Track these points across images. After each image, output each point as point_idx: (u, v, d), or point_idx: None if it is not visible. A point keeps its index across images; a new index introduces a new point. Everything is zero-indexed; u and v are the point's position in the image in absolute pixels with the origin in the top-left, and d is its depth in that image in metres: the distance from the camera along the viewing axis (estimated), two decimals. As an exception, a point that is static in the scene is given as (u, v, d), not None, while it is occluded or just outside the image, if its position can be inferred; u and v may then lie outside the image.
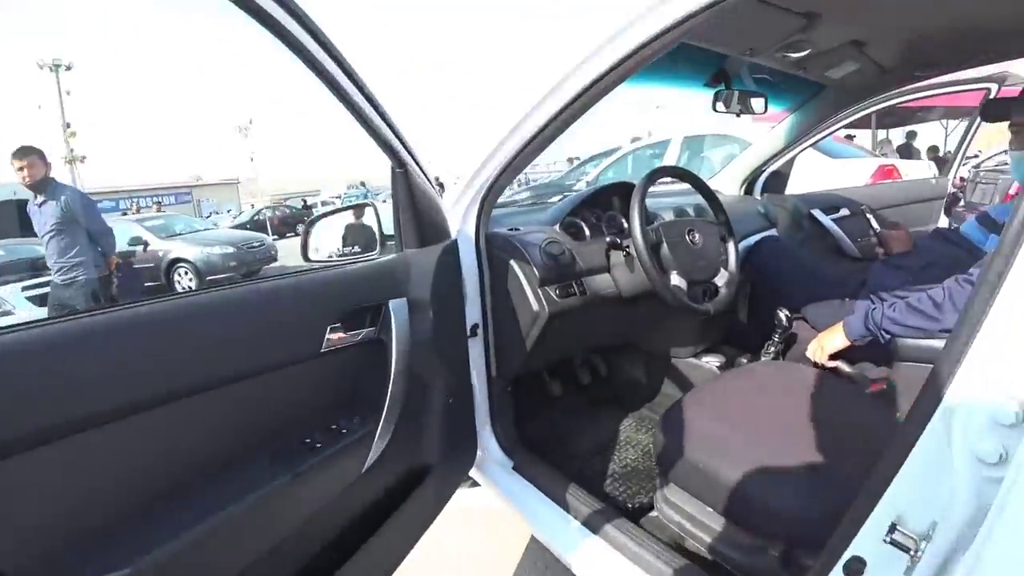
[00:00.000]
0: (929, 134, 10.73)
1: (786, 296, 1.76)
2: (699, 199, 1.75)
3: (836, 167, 3.90)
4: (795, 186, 2.40)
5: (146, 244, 9.04)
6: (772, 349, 1.59)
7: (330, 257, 1.37)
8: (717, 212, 1.52)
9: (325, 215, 1.39)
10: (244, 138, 29.39)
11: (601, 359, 2.05)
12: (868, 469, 0.64)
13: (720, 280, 1.43)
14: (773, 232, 2.06)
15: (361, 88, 0.93)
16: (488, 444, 1.60)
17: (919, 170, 4.20)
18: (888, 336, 1.32)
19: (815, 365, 1.46)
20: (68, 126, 18.28)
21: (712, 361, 1.75)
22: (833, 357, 1.44)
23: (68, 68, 18.49)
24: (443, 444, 1.26)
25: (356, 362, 1.03)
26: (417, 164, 1.15)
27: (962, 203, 4.99)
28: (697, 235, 1.42)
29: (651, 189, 1.43)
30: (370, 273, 1.09)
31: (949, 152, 8.90)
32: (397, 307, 1.08)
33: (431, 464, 1.24)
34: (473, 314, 1.47)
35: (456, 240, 1.28)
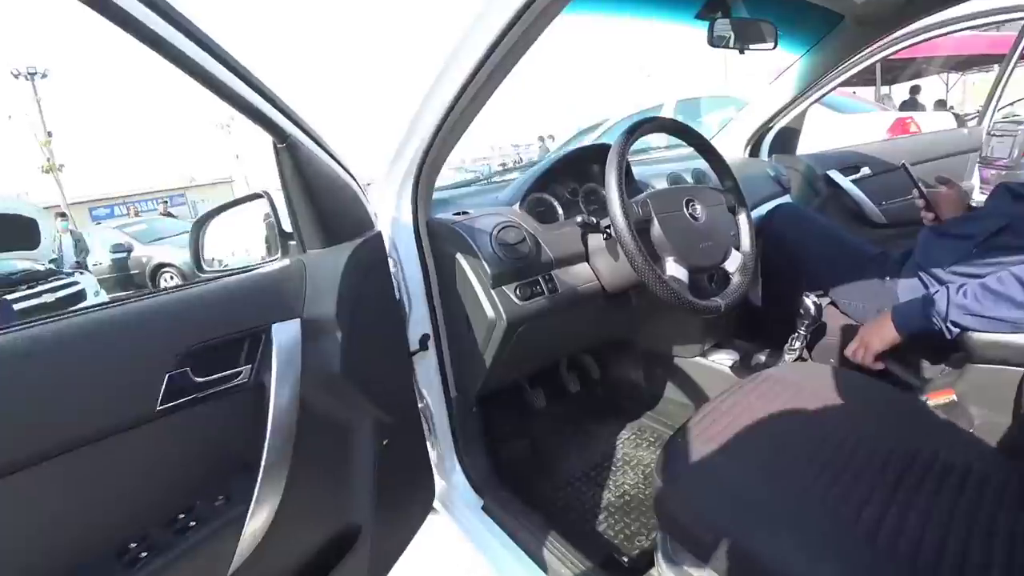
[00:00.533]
0: (931, 89, 10.28)
1: (811, 276, 1.45)
2: (699, 162, 1.43)
3: (846, 124, 3.53)
4: (803, 147, 2.06)
5: (130, 250, 8.78)
6: (797, 344, 1.27)
7: (225, 266, 1.06)
8: (723, 176, 1.19)
9: (216, 211, 1.07)
10: (228, 135, 28.83)
11: (592, 359, 1.74)
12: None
13: (731, 264, 1.10)
14: (787, 198, 1.73)
15: (206, 47, 0.63)
16: (452, 479, 1.31)
17: (940, 122, 3.83)
18: (957, 330, 1.01)
19: (856, 367, 1.16)
20: (49, 134, 17.87)
21: (723, 360, 1.43)
22: (880, 356, 1.13)
23: (44, 76, 18.04)
24: (378, 497, 0.96)
25: (221, 419, 0.72)
26: (308, 135, 0.84)
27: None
28: (698, 207, 1.09)
29: (639, 155, 1.11)
30: (241, 290, 0.78)
31: (952, 107, 8.48)
32: (283, 333, 0.77)
33: (360, 526, 0.94)
34: (421, 323, 1.17)
35: (380, 232, 0.97)
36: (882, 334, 1.12)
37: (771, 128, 1.93)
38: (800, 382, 1.00)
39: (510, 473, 1.40)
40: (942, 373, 1.14)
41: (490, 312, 1.04)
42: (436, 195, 1.18)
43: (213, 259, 1.08)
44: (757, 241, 1.59)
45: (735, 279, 1.10)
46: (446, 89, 0.91)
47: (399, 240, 1.12)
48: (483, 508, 1.29)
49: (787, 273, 1.52)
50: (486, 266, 1.03)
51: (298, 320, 0.79)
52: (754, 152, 1.96)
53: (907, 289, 1.23)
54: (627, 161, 1.00)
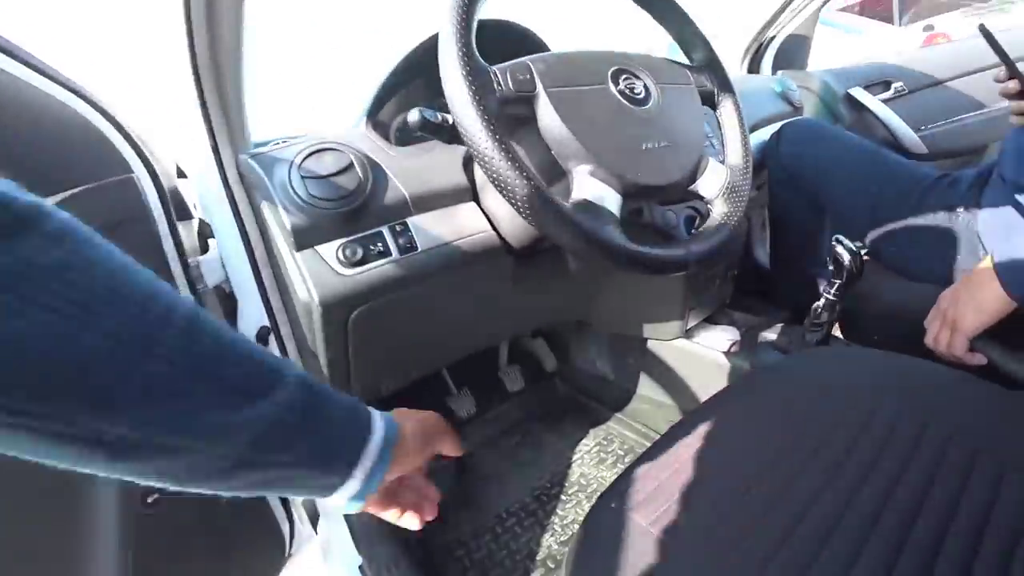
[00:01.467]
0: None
1: (840, 215, 1.00)
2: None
3: (861, 46, 2.94)
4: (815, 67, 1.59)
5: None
6: (825, 316, 0.82)
7: None
8: (692, 45, 0.70)
9: None
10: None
11: (545, 346, 1.30)
12: None
13: (709, 185, 0.64)
14: (812, 119, 1.28)
15: None
16: (328, 525, 0.90)
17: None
18: None
19: (936, 359, 0.72)
20: None
21: (716, 342, 0.98)
22: (977, 340, 0.69)
23: None
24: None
25: None
26: None
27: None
28: (641, 84, 0.62)
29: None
30: None
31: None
32: None
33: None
34: (255, 310, 0.76)
35: (131, 178, 0.65)
36: (980, 302, 0.67)
37: (774, 38, 1.46)
38: (832, 378, 0.56)
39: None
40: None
41: (299, 289, 0.62)
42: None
43: None
44: (760, 172, 1.15)
45: (716, 211, 0.64)
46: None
47: (206, 193, 0.73)
48: (360, 568, 0.87)
49: (805, 214, 1.07)
50: (284, 215, 0.61)
51: None
52: (753, 68, 1.49)
53: (1000, 224, 0.78)
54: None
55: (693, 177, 0.63)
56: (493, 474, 1.09)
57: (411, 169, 0.68)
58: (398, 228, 0.67)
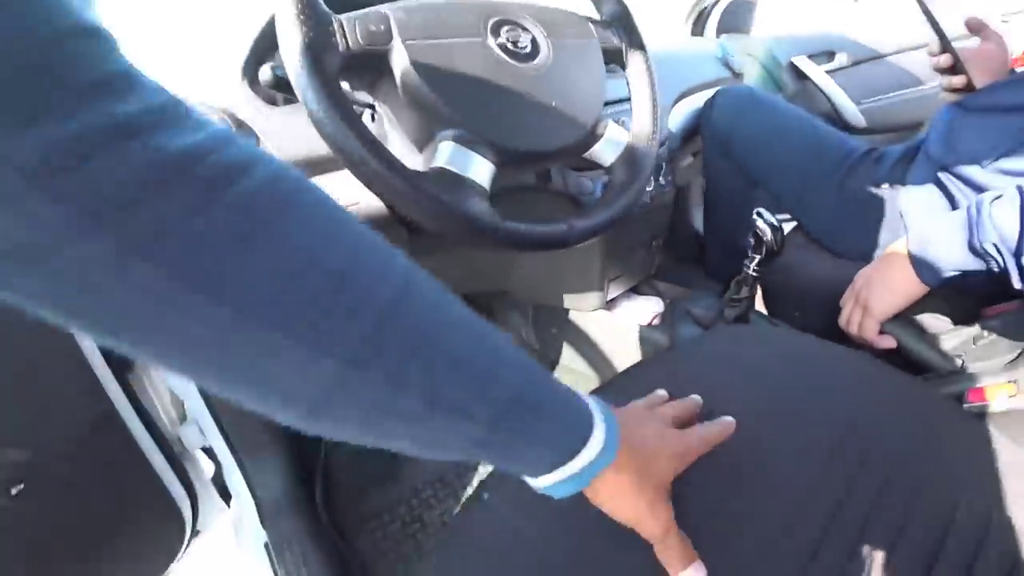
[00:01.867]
0: None
1: (769, 184, 0.97)
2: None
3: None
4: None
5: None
6: (744, 292, 0.80)
7: None
8: None
9: None
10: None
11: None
12: None
13: (607, 150, 0.59)
14: (747, 86, 1.24)
15: None
16: (240, 498, 0.85)
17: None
18: None
19: (844, 338, 0.70)
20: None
21: (637, 314, 0.95)
22: (887, 324, 0.67)
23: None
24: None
25: None
26: None
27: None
28: (528, 43, 0.54)
29: None
30: None
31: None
32: None
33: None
34: None
35: None
36: (891, 284, 0.65)
37: (719, 1, 1.40)
38: (740, 360, 0.53)
39: (340, 485, 0.93)
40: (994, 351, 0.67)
41: None
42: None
43: None
44: (692, 138, 1.10)
45: (617, 178, 0.59)
46: None
47: None
48: (265, 546, 0.83)
49: (736, 184, 1.04)
50: None
51: None
52: (697, 31, 1.43)
53: (921, 203, 0.76)
54: None
55: (587, 143, 0.58)
56: (396, 464, 1.05)
57: (289, 131, 0.60)
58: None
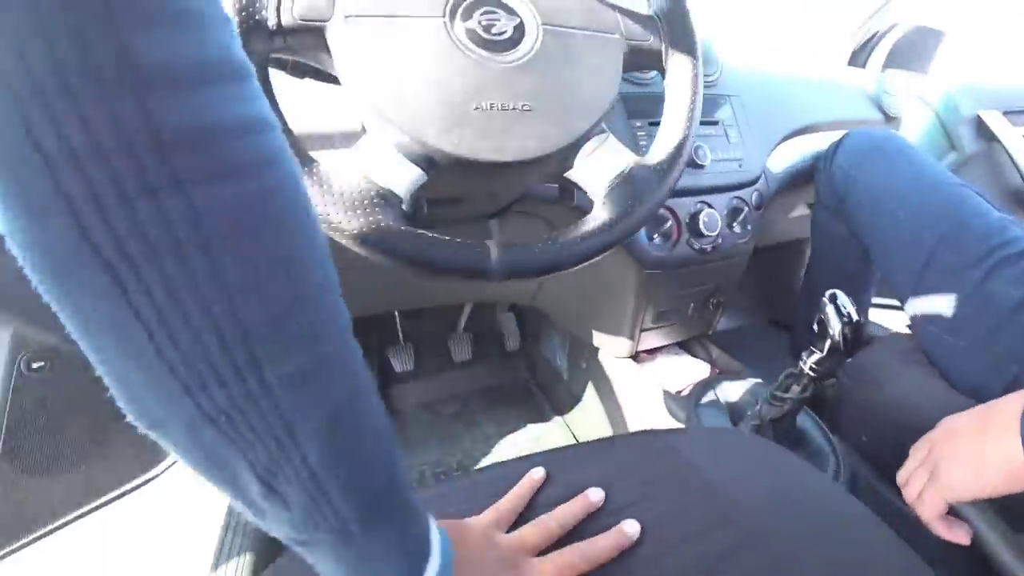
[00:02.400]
0: None
1: (886, 266, 0.76)
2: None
3: None
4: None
5: None
6: (794, 391, 0.62)
7: None
8: None
9: None
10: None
11: (515, 322, 1.16)
12: None
13: (594, 178, 0.46)
14: (888, 131, 1.01)
15: None
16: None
17: None
18: None
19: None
20: None
21: (670, 377, 0.80)
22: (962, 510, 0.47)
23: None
24: None
25: None
26: None
27: None
28: (509, 29, 0.43)
29: None
30: None
31: None
32: None
33: None
34: None
35: None
36: (983, 454, 0.43)
37: (894, 27, 1.15)
38: (710, 469, 0.40)
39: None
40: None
41: None
42: None
43: None
44: (803, 183, 0.90)
45: (598, 211, 0.46)
46: None
47: None
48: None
49: (846, 248, 0.84)
50: None
51: None
52: (859, 61, 1.19)
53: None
54: None
55: (564, 160, 0.46)
56: (414, 438, 1.00)
57: (299, 106, 0.56)
58: None
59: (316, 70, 0.46)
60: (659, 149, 0.49)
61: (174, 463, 0.83)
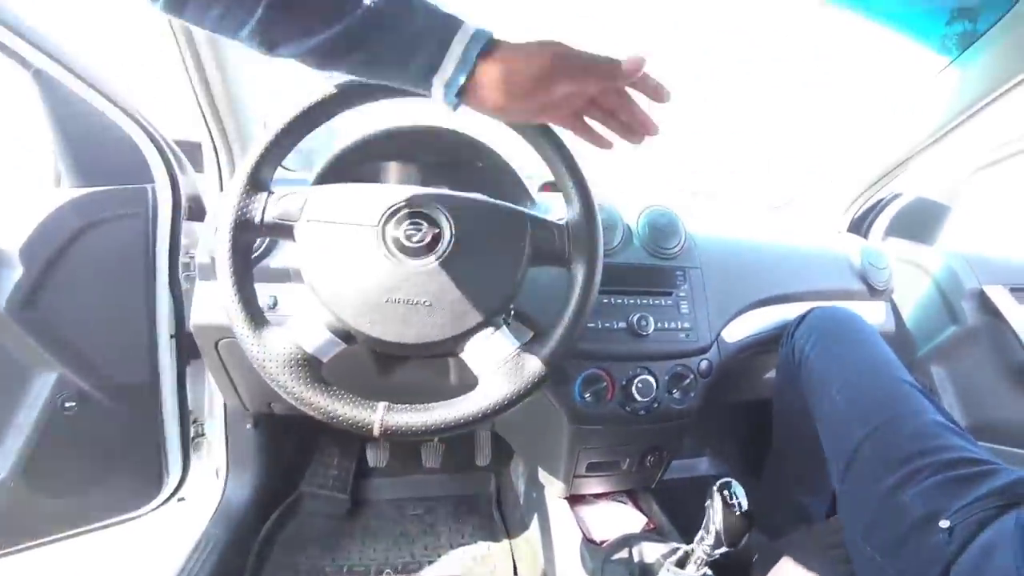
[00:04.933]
0: None
1: (819, 439, 0.74)
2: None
3: None
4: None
5: None
6: (690, 568, 0.61)
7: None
8: (567, 194, 0.56)
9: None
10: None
11: (490, 438, 1.19)
12: None
13: (481, 358, 0.53)
14: (880, 307, 0.99)
15: None
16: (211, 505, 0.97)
17: None
18: None
19: None
20: None
21: (598, 525, 0.79)
22: None
23: None
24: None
25: None
26: (63, 66, 0.73)
27: None
28: (428, 238, 0.52)
29: None
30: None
31: None
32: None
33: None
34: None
35: (147, 188, 0.84)
36: None
37: (898, 196, 1.14)
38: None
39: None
40: None
41: (191, 310, 0.77)
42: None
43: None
44: (767, 354, 0.89)
45: (481, 391, 0.52)
46: None
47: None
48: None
49: (800, 423, 0.81)
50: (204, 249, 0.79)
51: None
52: (857, 228, 1.18)
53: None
54: None
55: (459, 344, 0.53)
56: (374, 528, 1.04)
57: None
58: (271, 288, 0.72)
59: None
60: (545, 339, 0.54)
61: (168, 499, 0.93)
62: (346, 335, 0.51)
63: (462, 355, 0.53)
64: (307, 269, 0.51)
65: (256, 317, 0.50)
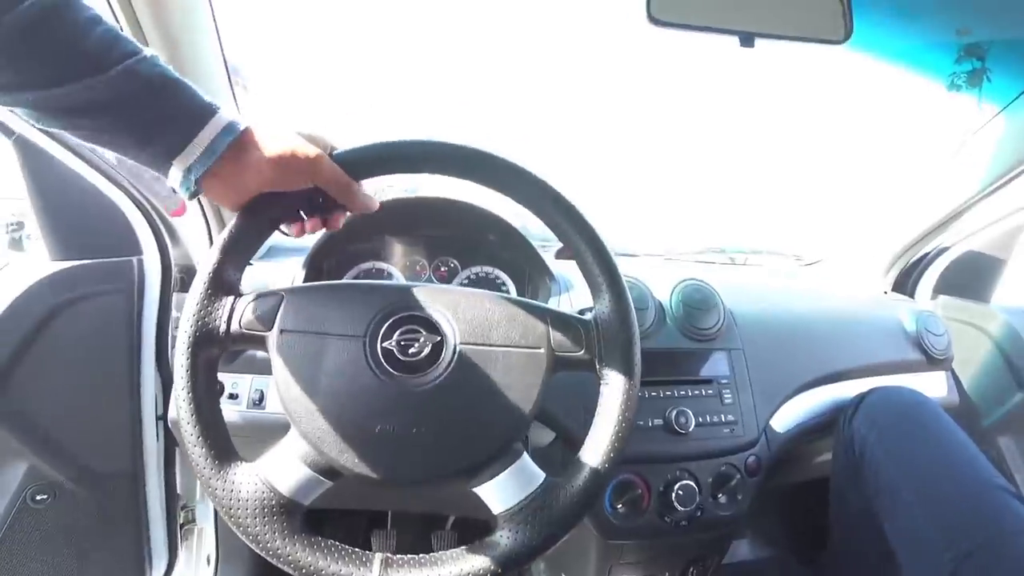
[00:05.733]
0: None
1: (912, 547, 0.63)
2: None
3: None
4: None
5: None
6: None
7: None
8: (595, 284, 0.46)
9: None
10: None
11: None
12: None
13: (498, 498, 0.41)
14: (941, 379, 0.88)
15: None
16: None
17: None
18: None
19: None
20: None
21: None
22: None
23: None
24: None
25: None
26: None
27: None
28: (428, 349, 0.42)
29: None
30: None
31: None
32: None
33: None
34: None
35: (133, 261, 0.77)
36: None
37: (946, 250, 1.03)
38: None
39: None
40: None
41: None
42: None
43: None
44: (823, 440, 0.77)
45: (498, 534, 0.41)
46: None
47: None
48: None
49: (860, 512, 0.69)
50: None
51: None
52: (903, 287, 1.07)
53: None
54: None
55: (468, 480, 0.42)
56: None
57: None
58: (258, 381, 0.64)
59: None
60: (576, 470, 0.43)
61: None
62: (330, 471, 0.41)
63: (477, 488, 0.43)
64: (281, 391, 0.41)
65: (221, 452, 0.40)
